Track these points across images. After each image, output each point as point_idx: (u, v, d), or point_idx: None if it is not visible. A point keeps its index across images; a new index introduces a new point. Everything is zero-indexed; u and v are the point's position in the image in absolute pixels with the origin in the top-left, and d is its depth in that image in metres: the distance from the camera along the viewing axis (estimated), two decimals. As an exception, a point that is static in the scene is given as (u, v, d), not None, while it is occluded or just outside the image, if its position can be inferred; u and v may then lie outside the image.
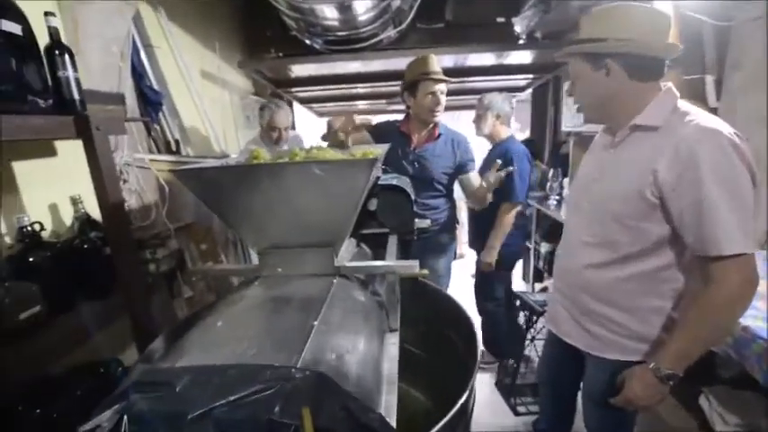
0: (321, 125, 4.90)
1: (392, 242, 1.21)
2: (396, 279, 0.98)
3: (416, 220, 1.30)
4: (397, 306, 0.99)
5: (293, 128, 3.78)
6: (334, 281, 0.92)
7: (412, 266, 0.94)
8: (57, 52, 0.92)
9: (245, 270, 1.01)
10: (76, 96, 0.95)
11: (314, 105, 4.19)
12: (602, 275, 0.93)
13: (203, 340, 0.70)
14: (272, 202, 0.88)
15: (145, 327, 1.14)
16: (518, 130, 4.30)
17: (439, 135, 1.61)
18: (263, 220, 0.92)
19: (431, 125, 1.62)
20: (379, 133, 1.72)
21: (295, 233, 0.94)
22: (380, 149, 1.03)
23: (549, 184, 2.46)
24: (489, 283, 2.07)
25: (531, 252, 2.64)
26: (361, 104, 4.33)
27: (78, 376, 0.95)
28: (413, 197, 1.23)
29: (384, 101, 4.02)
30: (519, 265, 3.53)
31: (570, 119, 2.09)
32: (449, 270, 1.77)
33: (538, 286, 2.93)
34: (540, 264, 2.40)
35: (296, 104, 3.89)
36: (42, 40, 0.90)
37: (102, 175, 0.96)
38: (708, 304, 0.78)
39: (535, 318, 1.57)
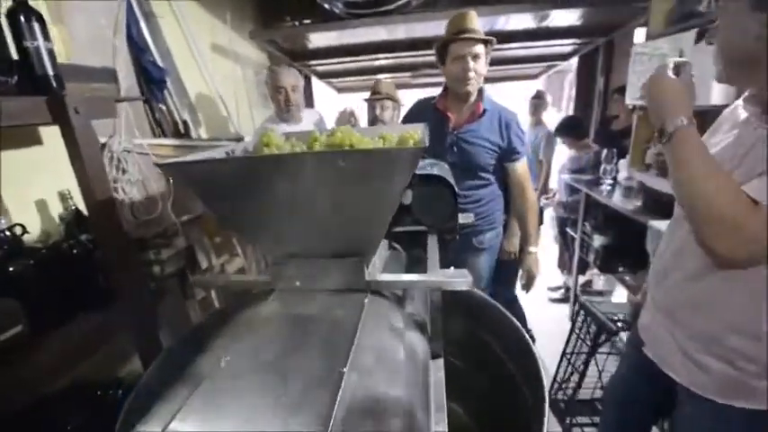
0: (341, 102, 4.66)
1: (433, 244, 1.01)
2: (440, 294, 0.80)
3: (459, 215, 1.10)
4: (441, 326, 0.81)
5: (312, 105, 3.57)
6: (365, 300, 0.74)
7: (462, 281, 0.75)
8: (22, 17, 0.75)
9: (256, 282, 0.85)
10: (50, 71, 0.78)
11: (333, 80, 3.94)
12: (724, 289, 0.71)
13: (204, 392, 0.54)
14: (287, 201, 0.70)
15: (149, 338, 1.01)
16: (551, 105, 3.88)
17: (483, 112, 1.35)
18: (277, 223, 0.74)
19: (471, 100, 1.37)
20: (411, 117, 1.49)
21: (316, 240, 0.76)
22: (420, 131, 0.82)
23: (602, 167, 2.15)
24: (513, 270, 1.88)
25: (577, 242, 2.38)
26: (384, 77, 4.05)
27: (71, 403, 0.83)
28: (455, 188, 1.02)
29: (409, 73, 3.72)
30: (554, 250, 3.28)
31: (636, 89, 1.77)
32: (491, 270, 1.56)
33: (581, 279, 2.69)
34: (591, 257, 2.14)
35: (314, 80, 3.66)
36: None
37: (85, 166, 0.80)
38: None
39: (604, 336, 1.31)
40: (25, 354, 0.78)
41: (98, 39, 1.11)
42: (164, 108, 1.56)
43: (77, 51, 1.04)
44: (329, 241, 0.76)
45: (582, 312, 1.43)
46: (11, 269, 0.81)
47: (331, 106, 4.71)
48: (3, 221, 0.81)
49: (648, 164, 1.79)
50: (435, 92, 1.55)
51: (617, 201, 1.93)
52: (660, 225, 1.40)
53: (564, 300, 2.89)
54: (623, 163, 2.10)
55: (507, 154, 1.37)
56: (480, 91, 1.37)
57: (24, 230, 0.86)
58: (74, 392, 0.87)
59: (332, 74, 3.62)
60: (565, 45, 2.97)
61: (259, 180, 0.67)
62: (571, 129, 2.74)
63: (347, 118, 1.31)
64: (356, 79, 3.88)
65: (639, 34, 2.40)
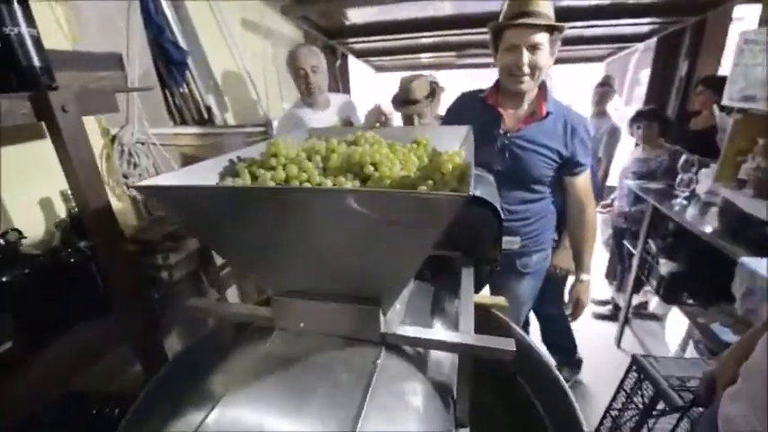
0: (378, 81, 4.43)
1: (468, 281, 0.85)
2: (472, 360, 0.65)
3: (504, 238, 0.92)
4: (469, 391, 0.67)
5: (346, 91, 3.39)
6: (379, 361, 0.61)
7: (504, 350, 0.60)
8: (1, -2, 0.65)
9: (256, 317, 0.74)
10: (35, 62, 0.68)
11: (371, 59, 3.73)
12: None
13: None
14: (289, 237, 0.57)
15: (150, 350, 0.95)
16: (617, 96, 3.37)
17: (547, 115, 1.12)
18: (277, 259, 0.62)
19: (530, 98, 1.14)
20: (454, 115, 1.28)
21: (325, 280, 0.64)
22: (464, 152, 0.65)
23: (679, 176, 1.83)
24: (560, 288, 1.69)
25: (636, 260, 2.09)
26: (426, 57, 3.77)
27: (65, 421, 0.79)
28: (501, 214, 0.85)
29: (453, 53, 3.42)
30: (602, 255, 2.96)
31: (739, 87, 1.42)
32: (533, 297, 1.36)
33: (635, 299, 2.40)
34: (653, 282, 1.86)
35: (351, 59, 3.47)
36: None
37: (75, 170, 0.72)
38: None
39: (663, 407, 1.06)
40: (17, 368, 0.74)
41: (110, 19, 1.01)
42: (185, 92, 1.47)
43: (86, 34, 0.94)
44: (340, 282, 0.63)
45: (635, 369, 1.20)
46: (4, 279, 0.75)
47: (368, 86, 4.51)
48: (-5, 227, 0.75)
49: (742, 180, 1.48)
50: (483, 75, 1.33)
51: (692, 219, 1.63)
52: (755, 264, 1.14)
53: (611, 317, 2.61)
54: (705, 173, 1.78)
55: (569, 166, 1.15)
56: (543, 87, 1.14)
57: (21, 236, 0.80)
58: (68, 410, 0.82)
59: (370, 52, 3.40)
60: (642, 24, 2.54)
61: (253, 213, 0.54)
62: (655, 118, 2.28)
63: (376, 117, 1.12)
64: (396, 58, 3.64)
65: (742, 13, 1.98)
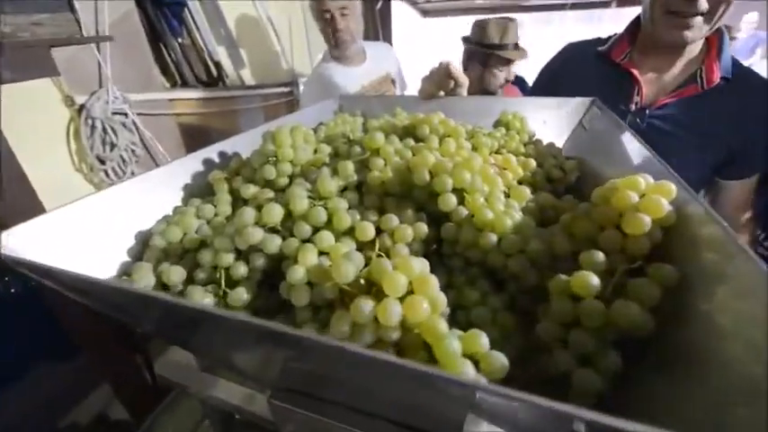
0: (424, 30, 3.86)
1: None
2: None
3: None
4: None
5: (389, 32, 2.92)
6: None
7: None
8: None
9: (251, 414, 0.48)
10: None
11: (418, 0, 3.18)
12: None
13: None
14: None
15: (135, 389, 0.75)
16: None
17: (718, 83, 0.68)
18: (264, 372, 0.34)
19: (690, 54, 0.71)
20: (554, 75, 0.89)
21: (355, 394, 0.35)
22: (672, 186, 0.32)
23: None
24: None
25: None
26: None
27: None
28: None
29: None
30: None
31: None
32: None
33: None
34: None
35: (394, 2, 2.95)
36: None
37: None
38: None
39: None
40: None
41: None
42: (186, 44, 1.17)
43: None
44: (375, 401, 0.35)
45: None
46: None
47: (414, 36, 3.95)
48: None
49: None
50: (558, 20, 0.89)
51: None
52: None
53: None
54: None
55: (736, 164, 0.73)
56: (717, 37, 0.70)
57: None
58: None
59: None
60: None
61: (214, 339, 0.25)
62: None
63: (441, 82, 0.70)
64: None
65: None
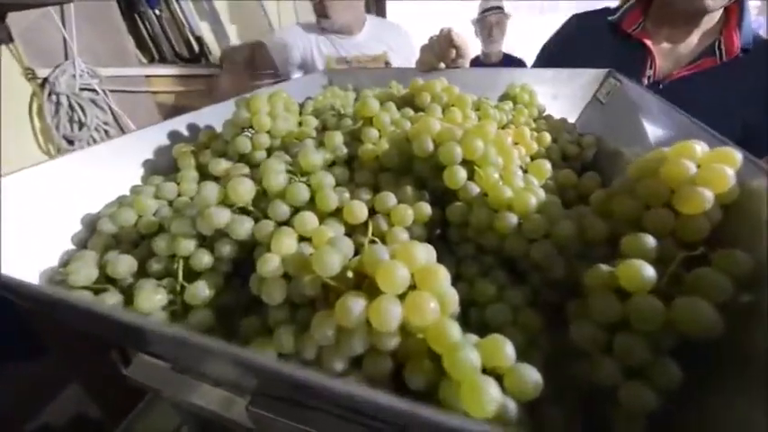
0: (420, 11, 3.75)
1: None
2: None
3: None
4: None
5: (383, 14, 2.79)
6: None
7: None
8: None
9: (228, 421, 0.43)
10: None
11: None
12: None
13: None
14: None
15: (108, 393, 0.70)
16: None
17: (738, 54, 0.63)
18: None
19: (708, 23, 0.66)
20: (561, 46, 0.82)
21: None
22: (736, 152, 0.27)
23: None
24: None
25: None
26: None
27: None
28: None
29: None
30: None
31: None
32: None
33: None
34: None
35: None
36: None
37: None
38: None
39: None
40: None
41: None
42: (164, 16, 1.08)
43: None
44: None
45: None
46: None
47: (409, 15, 3.82)
48: None
49: None
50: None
51: None
52: None
53: None
54: None
55: (756, 143, 0.69)
56: (738, 5, 0.64)
57: None
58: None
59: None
60: None
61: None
62: None
63: (442, 49, 0.61)
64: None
65: None
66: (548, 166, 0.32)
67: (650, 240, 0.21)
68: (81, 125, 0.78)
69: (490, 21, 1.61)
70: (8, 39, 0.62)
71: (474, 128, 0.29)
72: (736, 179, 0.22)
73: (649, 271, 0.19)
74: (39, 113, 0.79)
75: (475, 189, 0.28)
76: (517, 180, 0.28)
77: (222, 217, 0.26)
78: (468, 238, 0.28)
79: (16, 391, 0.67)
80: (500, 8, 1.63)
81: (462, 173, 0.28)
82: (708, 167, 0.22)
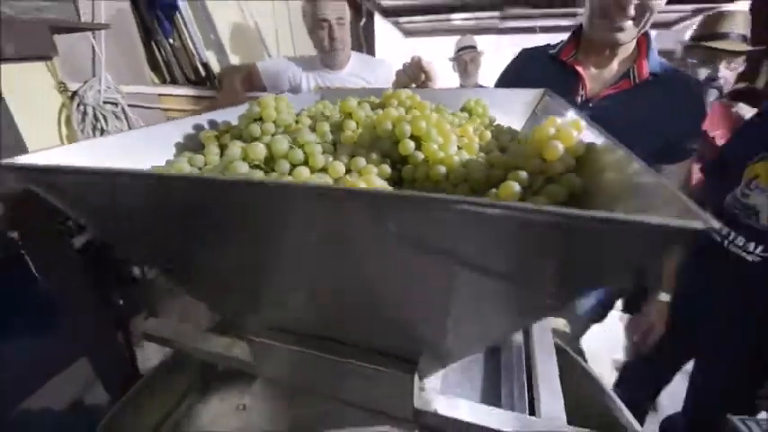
0: (407, 49, 4.04)
1: (546, 338, 0.60)
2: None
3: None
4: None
5: (372, 47, 3.05)
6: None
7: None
8: None
9: (230, 359, 0.52)
10: None
11: (400, 19, 3.35)
12: None
13: None
14: (274, 258, 0.33)
15: (112, 365, 0.77)
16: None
17: (648, 78, 0.81)
18: (255, 286, 0.39)
19: (625, 53, 0.84)
20: (514, 75, 0.99)
21: (330, 323, 0.41)
22: (583, 123, 0.39)
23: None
24: None
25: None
26: (461, 18, 3.34)
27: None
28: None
29: (497, 13, 3.01)
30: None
31: None
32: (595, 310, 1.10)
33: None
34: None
35: (378, 19, 3.11)
36: None
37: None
38: None
39: None
40: None
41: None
42: (176, 45, 1.22)
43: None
44: (354, 328, 0.40)
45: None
46: None
47: (396, 54, 4.12)
48: None
49: None
50: (530, 42, 1.01)
51: None
52: None
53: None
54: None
55: (671, 149, 0.85)
56: (645, 39, 0.82)
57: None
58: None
59: (400, 10, 3.04)
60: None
61: (203, 219, 0.30)
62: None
63: (414, 74, 0.77)
64: (429, 19, 3.25)
65: None
66: (476, 146, 0.45)
67: (523, 173, 0.33)
68: (102, 132, 0.89)
69: (464, 59, 1.82)
70: (55, 52, 0.74)
71: (421, 115, 0.42)
72: (591, 147, 0.35)
73: (517, 187, 0.31)
74: (66, 122, 0.90)
75: (420, 156, 0.40)
76: (451, 151, 0.40)
77: (242, 169, 0.37)
78: (415, 189, 0.40)
79: (20, 367, 0.72)
80: (473, 47, 1.85)
81: (411, 144, 0.40)
82: (561, 130, 0.35)
